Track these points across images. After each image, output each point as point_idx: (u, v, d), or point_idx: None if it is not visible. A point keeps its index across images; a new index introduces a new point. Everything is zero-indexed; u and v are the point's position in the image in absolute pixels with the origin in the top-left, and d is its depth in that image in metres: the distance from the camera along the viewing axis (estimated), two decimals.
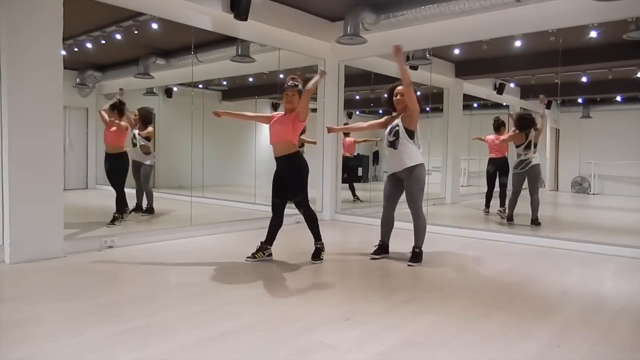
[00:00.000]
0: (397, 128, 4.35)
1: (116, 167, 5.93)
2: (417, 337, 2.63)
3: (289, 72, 7.25)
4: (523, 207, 6.43)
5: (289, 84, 4.31)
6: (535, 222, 6.16)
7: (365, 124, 4.81)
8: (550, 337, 2.65)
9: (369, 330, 2.72)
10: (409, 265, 4.31)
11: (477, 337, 2.64)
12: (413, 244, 4.44)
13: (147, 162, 6.48)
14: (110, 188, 5.95)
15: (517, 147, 6.46)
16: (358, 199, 8.61)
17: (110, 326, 2.70)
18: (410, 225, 4.48)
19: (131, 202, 6.22)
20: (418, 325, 2.82)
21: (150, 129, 6.47)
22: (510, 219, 6.49)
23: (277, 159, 4.33)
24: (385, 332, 2.70)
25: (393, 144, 4.35)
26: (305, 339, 2.57)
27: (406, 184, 4.38)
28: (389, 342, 2.55)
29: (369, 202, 8.57)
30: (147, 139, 6.46)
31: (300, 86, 4.31)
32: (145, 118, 6.48)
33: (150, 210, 6.56)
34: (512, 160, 7.22)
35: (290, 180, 4.33)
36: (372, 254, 4.58)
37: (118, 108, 5.97)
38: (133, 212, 6.36)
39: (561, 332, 2.73)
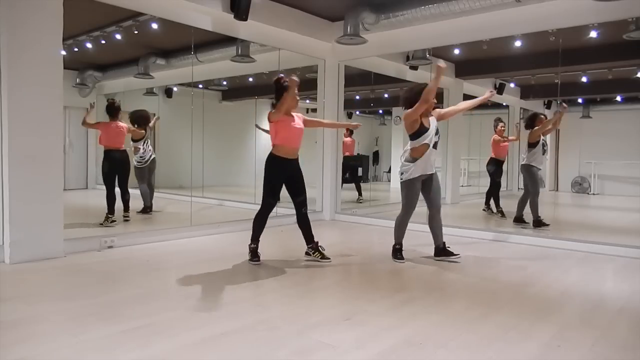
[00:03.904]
0: (438, 128, 4.38)
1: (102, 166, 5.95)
2: (417, 337, 2.63)
3: (289, 72, 7.27)
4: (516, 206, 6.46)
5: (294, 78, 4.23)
6: (533, 223, 6.11)
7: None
8: (550, 337, 2.65)
9: (369, 330, 2.72)
10: (457, 260, 4.37)
11: (477, 337, 2.64)
12: (441, 241, 4.49)
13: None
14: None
15: None
16: (360, 197, 8.61)
17: (110, 326, 2.70)
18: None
19: (134, 204, 6.23)
20: (418, 325, 2.82)
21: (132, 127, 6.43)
22: (516, 220, 6.35)
23: (292, 160, 4.31)
24: (385, 332, 2.70)
25: (436, 145, 4.38)
26: (305, 339, 2.57)
27: (435, 182, 4.42)
28: (389, 342, 2.55)
29: (369, 202, 8.58)
30: (134, 140, 6.44)
31: None
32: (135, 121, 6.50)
33: (144, 209, 6.57)
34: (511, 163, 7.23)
35: (301, 180, 4.40)
36: (398, 258, 4.47)
37: (110, 109, 5.99)
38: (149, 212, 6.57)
39: (561, 332, 2.73)
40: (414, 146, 4.35)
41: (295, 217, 4.48)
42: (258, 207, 4.42)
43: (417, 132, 4.31)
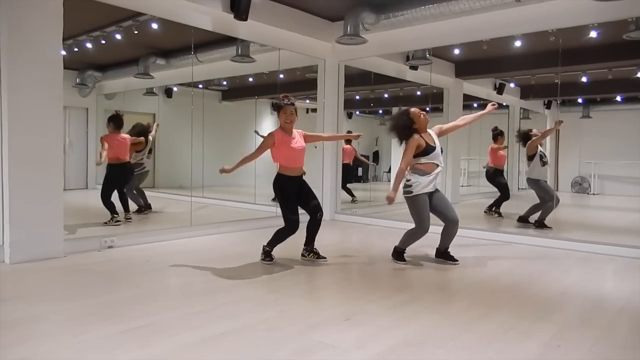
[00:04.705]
0: (440, 146, 4.34)
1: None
2: (417, 337, 2.63)
3: (289, 72, 7.27)
4: (516, 206, 6.44)
5: (287, 102, 4.19)
6: (535, 222, 6.11)
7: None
8: (550, 337, 2.65)
9: (369, 330, 2.72)
10: (457, 263, 4.34)
11: (477, 337, 2.64)
12: (444, 247, 4.45)
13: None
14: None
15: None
16: (354, 198, 8.61)
17: (110, 326, 2.70)
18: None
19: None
20: (418, 325, 2.82)
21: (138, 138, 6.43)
22: (520, 219, 6.33)
23: (297, 177, 4.28)
24: (385, 332, 2.70)
25: (441, 162, 4.33)
26: (305, 339, 2.57)
27: (438, 197, 4.33)
28: (388, 342, 2.55)
29: (369, 202, 8.57)
30: (137, 150, 6.43)
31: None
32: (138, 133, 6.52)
33: (139, 210, 6.59)
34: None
35: (310, 190, 4.39)
36: (399, 260, 4.42)
37: (115, 120, 5.97)
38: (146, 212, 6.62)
39: (561, 332, 2.73)
40: (424, 162, 4.25)
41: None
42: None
43: (424, 151, 4.23)
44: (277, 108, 4.25)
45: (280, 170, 4.28)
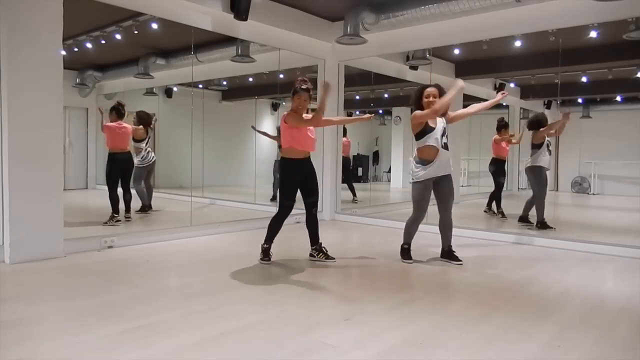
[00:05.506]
0: (445, 129, 4.34)
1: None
2: (416, 337, 2.63)
3: (289, 72, 7.27)
4: (518, 207, 6.43)
5: (303, 87, 4.20)
6: (537, 224, 6.09)
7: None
8: (550, 337, 2.65)
9: (369, 330, 2.72)
10: (459, 264, 4.34)
11: (477, 337, 2.64)
12: (448, 244, 4.47)
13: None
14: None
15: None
16: (355, 198, 8.60)
17: (110, 326, 2.70)
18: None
19: (133, 203, 6.23)
20: (418, 325, 2.82)
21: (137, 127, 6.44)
22: (521, 219, 6.30)
23: (304, 160, 4.28)
24: (385, 332, 2.70)
25: (447, 146, 4.32)
26: (305, 339, 2.57)
27: (447, 183, 4.37)
28: (388, 342, 2.55)
29: (368, 202, 8.57)
30: (136, 140, 6.44)
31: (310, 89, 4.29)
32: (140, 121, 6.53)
33: (142, 208, 6.59)
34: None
35: (315, 181, 4.40)
36: (405, 259, 4.46)
37: (116, 109, 6.01)
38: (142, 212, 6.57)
39: (561, 332, 2.73)
40: (419, 147, 4.33)
41: (298, 217, 4.46)
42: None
43: (421, 132, 4.28)
44: (293, 93, 4.22)
45: (285, 155, 4.26)
